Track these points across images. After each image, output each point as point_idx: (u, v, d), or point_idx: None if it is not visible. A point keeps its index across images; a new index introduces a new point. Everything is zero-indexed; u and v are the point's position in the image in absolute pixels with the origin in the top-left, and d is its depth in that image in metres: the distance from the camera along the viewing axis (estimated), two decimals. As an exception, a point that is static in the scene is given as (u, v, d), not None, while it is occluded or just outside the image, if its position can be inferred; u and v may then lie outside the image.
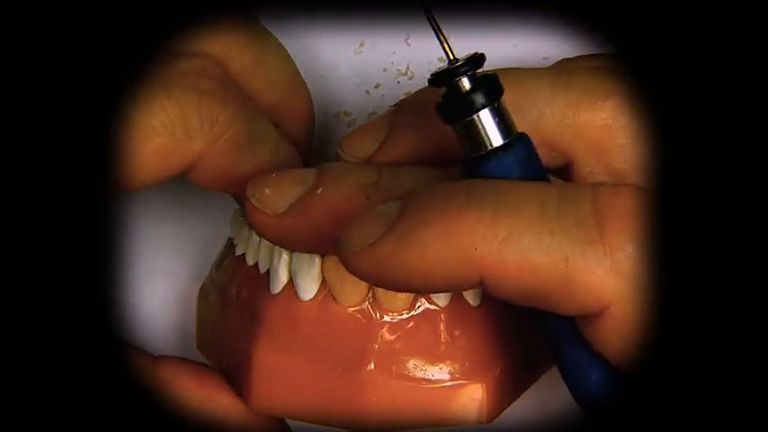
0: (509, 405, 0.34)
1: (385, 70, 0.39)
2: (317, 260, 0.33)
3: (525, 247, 0.26)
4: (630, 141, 0.31)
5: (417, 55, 0.39)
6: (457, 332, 0.33)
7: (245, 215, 0.32)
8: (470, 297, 0.33)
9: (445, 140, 0.31)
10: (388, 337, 0.33)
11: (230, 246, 0.37)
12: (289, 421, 0.35)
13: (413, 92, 0.38)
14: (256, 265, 0.34)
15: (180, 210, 0.41)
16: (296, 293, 0.33)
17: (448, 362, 0.33)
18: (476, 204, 0.27)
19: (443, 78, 0.28)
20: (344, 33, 0.38)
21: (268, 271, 0.34)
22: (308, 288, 0.33)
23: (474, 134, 0.28)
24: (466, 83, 0.28)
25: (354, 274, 0.28)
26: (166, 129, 0.30)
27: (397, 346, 0.33)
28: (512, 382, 0.34)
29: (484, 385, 0.33)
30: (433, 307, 0.33)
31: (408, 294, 0.33)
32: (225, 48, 0.33)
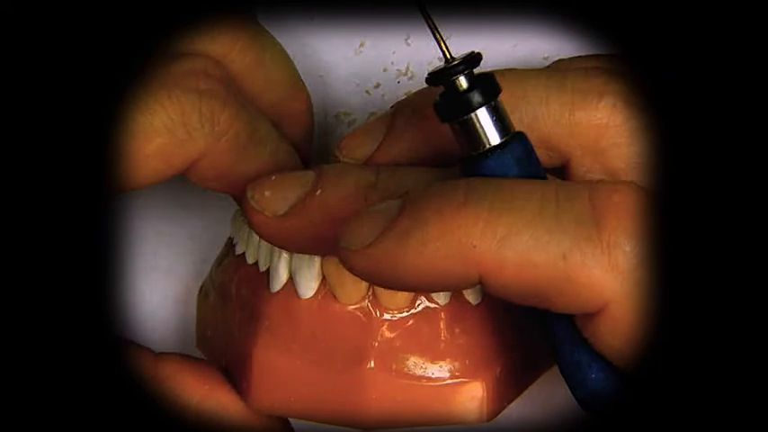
0: (509, 403, 0.34)
1: (385, 70, 0.39)
2: (317, 258, 0.33)
3: (524, 245, 0.26)
4: (626, 140, 0.31)
5: (417, 55, 0.39)
6: (457, 330, 0.33)
7: (245, 216, 0.32)
8: (470, 295, 0.33)
9: (443, 141, 0.31)
10: (388, 335, 0.33)
11: (230, 245, 0.37)
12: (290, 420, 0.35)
13: (413, 92, 0.39)
14: (256, 263, 0.34)
15: (180, 209, 0.41)
16: (296, 292, 0.33)
17: (448, 360, 0.33)
18: (474, 203, 0.27)
19: (441, 77, 0.28)
20: (344, 33, 0.39)
21: (268, 270, 0.34)
22: (308, 286, 0.33)
23: (471, 133, 0.28)
24: (463, 81, 0.28)
25: (353, 272, 0.28)
26: (167, 128, 0.30)
27: (398, 344, 0.33)
28: (512, 381, 0.34)
29: (484, 383, 0.33)
30: (433, 305, 0.33)
31: (408, 292, 0.33)
32: (225, 48, 0.33)
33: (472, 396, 0.33)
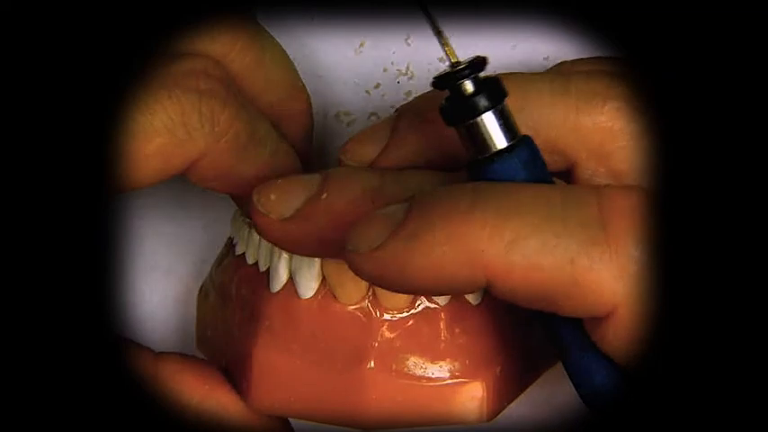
0: (509, 403, 0.34)
1: (385, 70, 0.39)
2: (317, 259, 0.33)
3: (531, 250, 0.26)
4: (631, 143, 0.31)
5: (417, 55, 0.39)
6: (457, 330, 0.33)
7: (251, 220, 0.32)
8: (470, 296, 0.33)
9: (447, 145, 0.31)
10: (388, 335, 0.33)
11: (230, 245, 0.37)
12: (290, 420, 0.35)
13: (413, 92, 0.39)
14: (256, 263, 0.34)
15: (180, 209, 0.41)
16: (296, 292, 0.33)
17: (448, 360, 0.33)
18: (481, 207, 0.26)
19: (446, 81, 0.28)
20: (344, 33, 0.38)
21: (268, 270, 0.34)
22: (308, 286, 0.33)
23: (478, 137, 0.28)
24: (469, 85, 0.28)
25: (360, 276, 0.28)
26: (167, 128, 0.30)
27: (397, 345, 0.33)
28: (512, 381, 0.34)
29: (484, 383, 0.33)
30: (432, 305, 0.33)
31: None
32: (225, 48, 0.33)
33: (472, 396, 0.33)
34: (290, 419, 0.35)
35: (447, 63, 0.29)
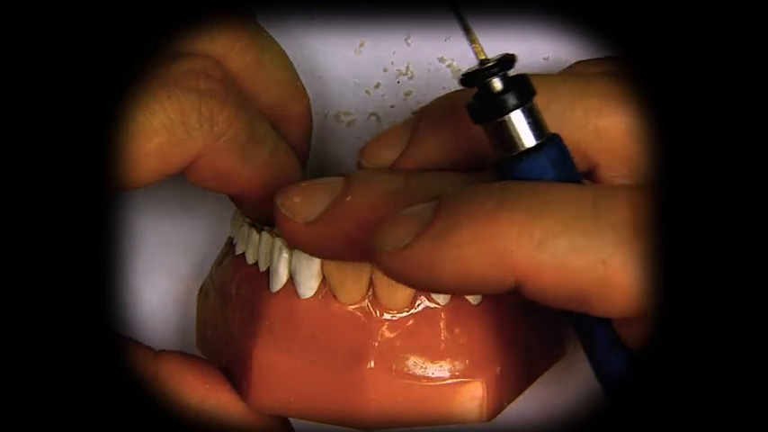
0: (509, 403, 0.34)
1: (385, 70, 0.39)
2: (317, 258, 0.33)
3: (561, 250, 0.25)
4: (649, 145, 0.30)
5: (417, 55, 0.39)
6: (457, 330, 0.33)
7: (276, 224, 0.31)
8: (470, 296, 0.33)
9: (469, 145, 0.31)
10: (388, 334, 0.33)
11: (230, 245, 0.37)
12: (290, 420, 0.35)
13: (413, 92, 0.39)
14: (256, 263, 0.34)
15: (180, 209, 0.41)
16: (296, 292, 0.33)
17: (448, 360, 0.33)
18: (509, 206, 0.26)
19: (475, 78, 0.28)
20: (344, 33, 0.39)
21: (268, 269, 0.34)
22: (308, 286, 0.33)
23: (506, 135, 0.28)
24: (498, 83, 0.28)
25: (387, 275, 0.28)
26: (166, 128, 0.30)
27: (398, 344, 0.33)
28: (512, 381, 0.34)
29: (484, 383, 0.33)
30: (433, 305, 0.33)
31: (409, 292, 0.33)
32: (225, 48, 0.33)
33: (472, 396, 0.33)
34: (290, 419, 0.35)
35: (475, 60, 0.28)
